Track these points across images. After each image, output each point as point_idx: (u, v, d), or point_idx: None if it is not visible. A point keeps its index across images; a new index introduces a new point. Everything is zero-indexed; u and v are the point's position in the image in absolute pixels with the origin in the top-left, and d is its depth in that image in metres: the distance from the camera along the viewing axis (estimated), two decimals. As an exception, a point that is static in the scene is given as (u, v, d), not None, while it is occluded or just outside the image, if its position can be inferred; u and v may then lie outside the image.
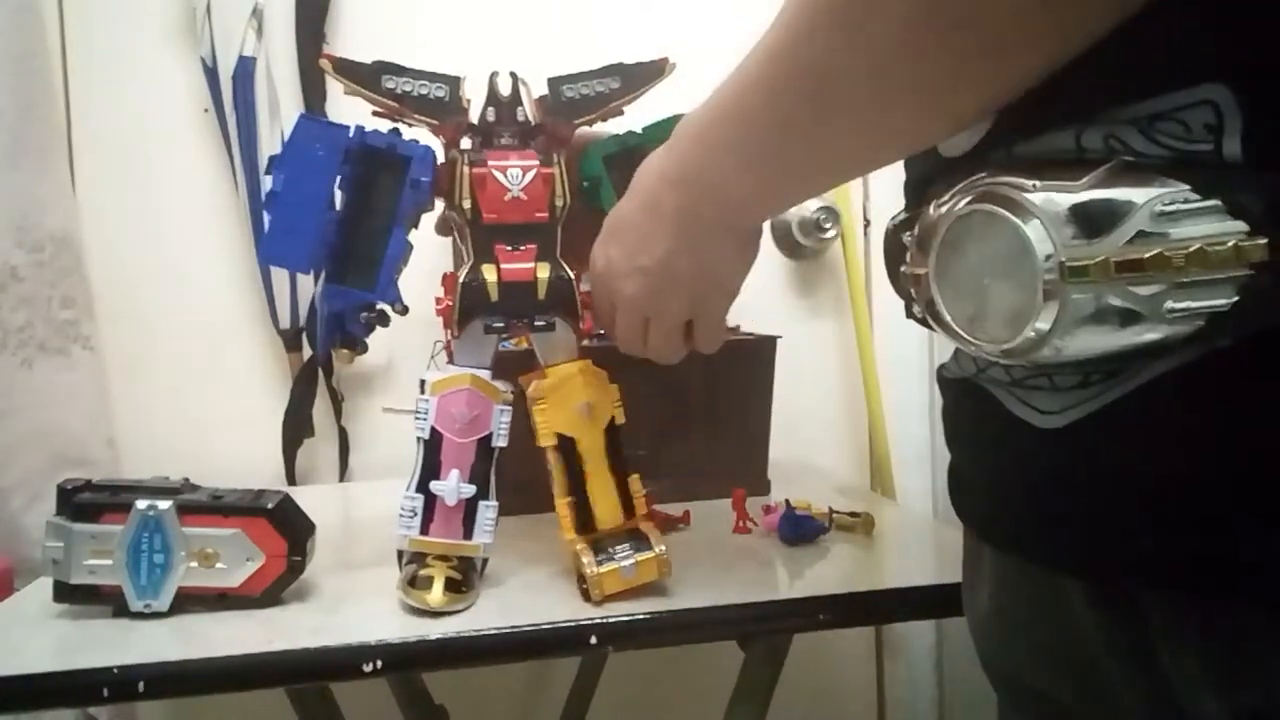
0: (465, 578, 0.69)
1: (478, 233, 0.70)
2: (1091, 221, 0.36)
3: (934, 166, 0.45)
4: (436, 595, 0.66)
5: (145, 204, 1.24)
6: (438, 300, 0.71)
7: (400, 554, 0.70)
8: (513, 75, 0.71)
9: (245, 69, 1.19)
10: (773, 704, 0.85)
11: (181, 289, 1.24)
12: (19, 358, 1.09)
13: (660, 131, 0.72)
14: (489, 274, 0.69)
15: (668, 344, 0.65)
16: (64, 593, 0.67)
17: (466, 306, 0.69)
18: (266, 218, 0.69)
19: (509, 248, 0.69)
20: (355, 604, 0.69)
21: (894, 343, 1.35)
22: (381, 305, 0.70)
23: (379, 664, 0.61)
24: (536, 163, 0.69)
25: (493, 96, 0.71)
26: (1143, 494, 0.37)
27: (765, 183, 0.51)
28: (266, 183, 1.21)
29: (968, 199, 0.39)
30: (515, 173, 0.69)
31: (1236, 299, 0.34)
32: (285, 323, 1.23)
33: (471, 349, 0.70)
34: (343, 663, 0.61)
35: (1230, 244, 0.34)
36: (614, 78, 0.73)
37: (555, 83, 0.72)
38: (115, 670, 0.59)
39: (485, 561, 0.72)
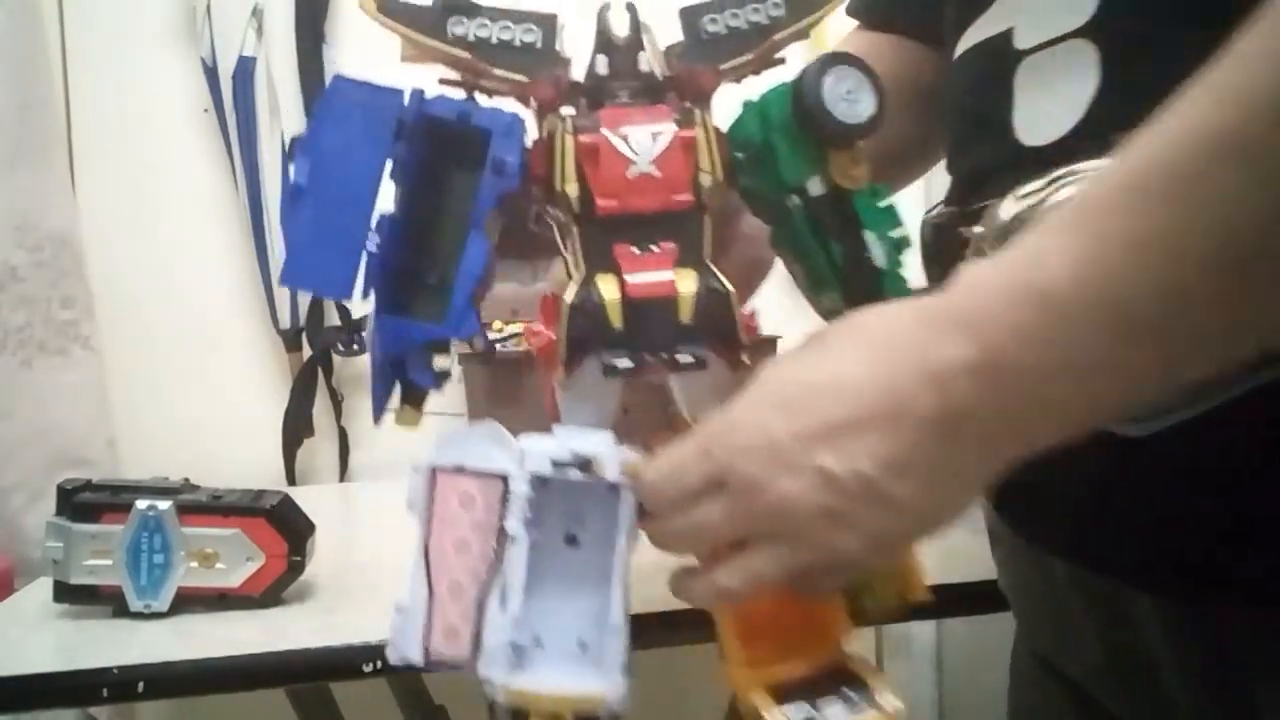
0: None
1: (590, 231, 0.47)
2: None
3: (1002, 155, 0.41)
4: None
5: (145, 204, 1.24)
6: (533, 334, 0.50)
7: (491, 708, 0.49)
8: (630, 9, 0.48)
9: (245, 69, 1.20)
10: (772, 704, 0.85)
11: (181, 289, 1.25)
12: (19, 358, 1.09)
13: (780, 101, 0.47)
14: (607, 290, 0.45)
15: (753, 585, 0.42)
16: (64, 593, 0.67)
17: (577, 339, 0.46)
18: (288, 223, 0.47)
19: (636, 250, 0.46)
20: (355, 604, 0.69)
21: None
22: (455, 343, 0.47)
23: (379, 664, 0.61)
24: (673, 124, 0.46)
25: (604, 41, 0.48)
26: (1228, 509, 0.35)
27: (1143, 387, 0.34)
28: (286, 173, 1.21)
29: (1069, 188, 0.36)
30: (642, 138, 0.46)
31: None
32: (285, 323, 1.23)
33: (583, 404, 0.47)
34: (343, 663, 0.61)
35: None
36: (774, 3, 0.49)
37: (691, 14, 0.49)
38: (115, 670, 0.59)
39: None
